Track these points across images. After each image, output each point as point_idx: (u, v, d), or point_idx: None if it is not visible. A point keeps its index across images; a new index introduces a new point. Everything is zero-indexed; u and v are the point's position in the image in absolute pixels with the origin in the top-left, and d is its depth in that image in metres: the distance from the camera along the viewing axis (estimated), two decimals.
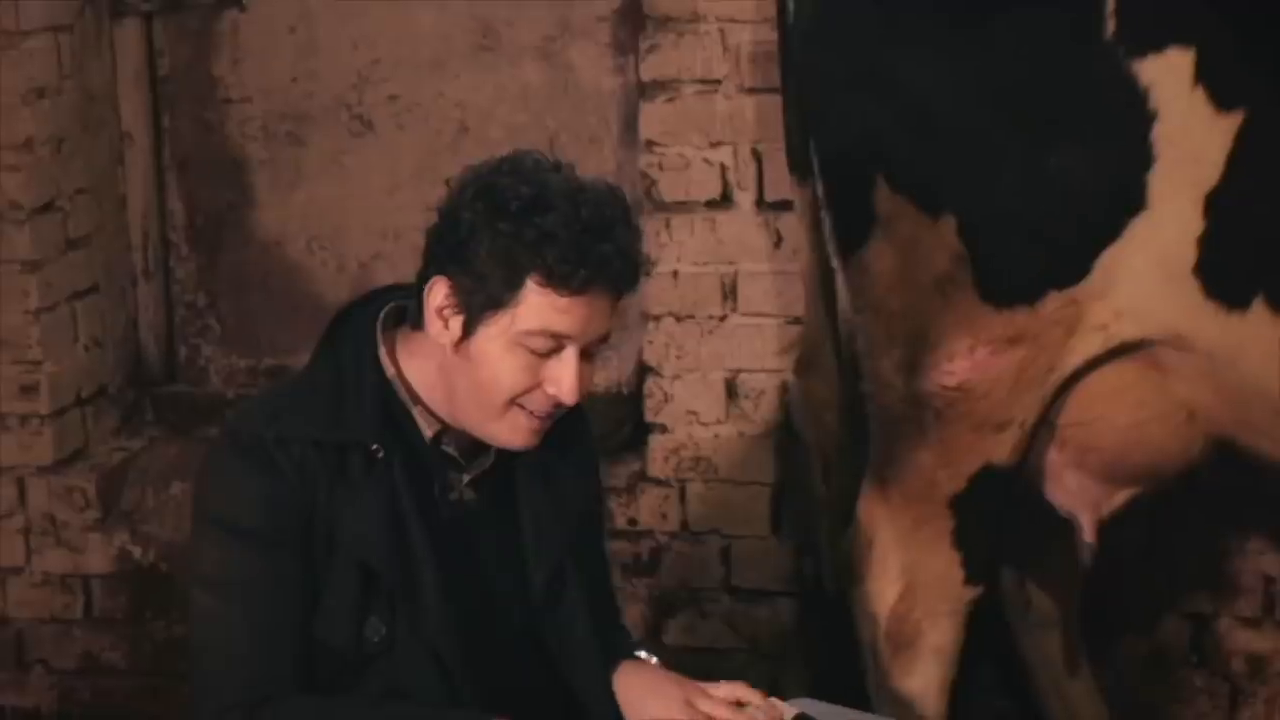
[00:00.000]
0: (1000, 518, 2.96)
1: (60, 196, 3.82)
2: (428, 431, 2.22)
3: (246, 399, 2.17)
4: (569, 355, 2.12)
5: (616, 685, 2.31)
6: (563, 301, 2.10)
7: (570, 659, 2.30)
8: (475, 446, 2.25)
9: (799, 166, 3.11)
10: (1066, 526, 3.00)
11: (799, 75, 3.02)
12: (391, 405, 2.21)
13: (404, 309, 2.25)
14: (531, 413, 2.15)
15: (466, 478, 2.25)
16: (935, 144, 2.76)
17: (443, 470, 2.24)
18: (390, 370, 2.22)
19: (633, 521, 3.73)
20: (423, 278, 2.18)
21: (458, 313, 2.14)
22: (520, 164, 2.16)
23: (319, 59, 3.93)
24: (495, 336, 2.12)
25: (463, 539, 2.24)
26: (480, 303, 2.12)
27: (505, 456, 2.26)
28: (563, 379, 2.12)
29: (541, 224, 2.08)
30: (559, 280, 2.09)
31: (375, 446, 2.17)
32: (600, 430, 3.82)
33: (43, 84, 3.77)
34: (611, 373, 3.92)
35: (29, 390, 3.81)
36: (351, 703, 2.16)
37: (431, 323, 2.16)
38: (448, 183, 2.19)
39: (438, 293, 2.15)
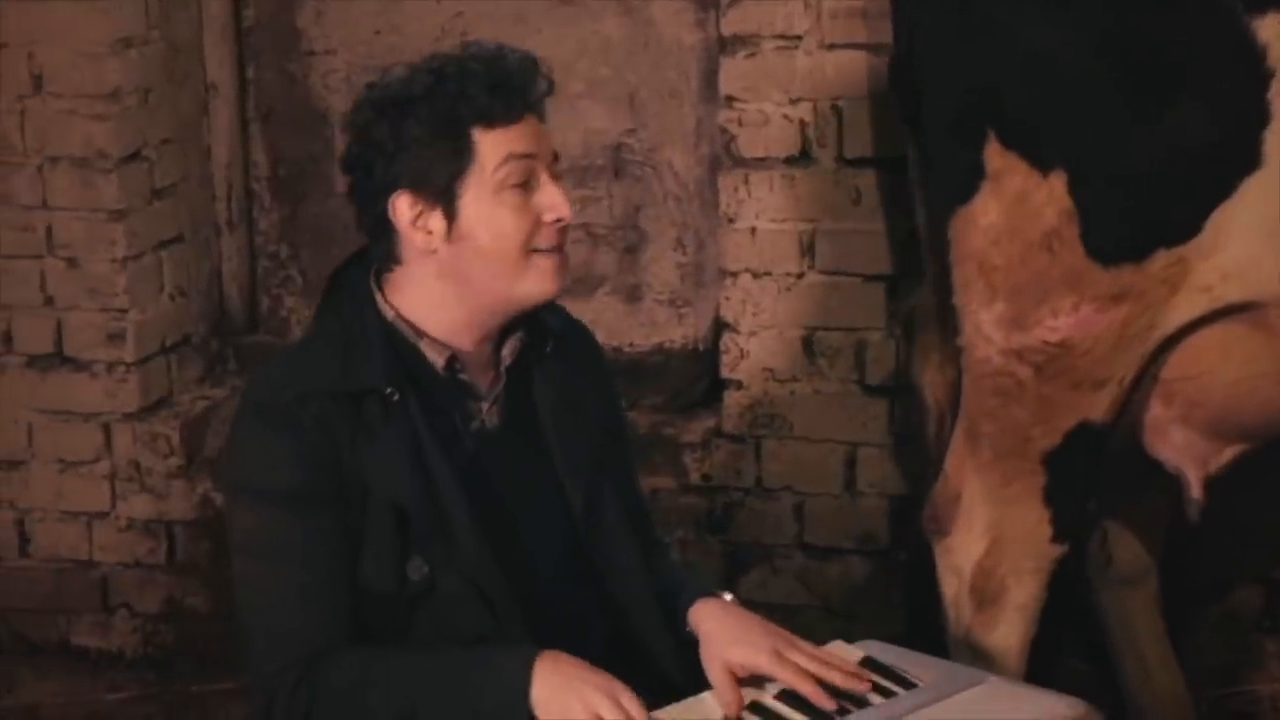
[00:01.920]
0: (1094, 475, 2.95)
1: (146, 146, 3.88)
2: (439, 361, 2.24)
3: (257, 369, 2.21)
4: (545, 180, 2.22)
5: (697, 623, 2.29)
6: (511, 130, 2.19)
7: (616, 575, 2.32)
8: (486, 372, 2.28)
9: (910, 119, 3.09)
10: (1157, 483, 2.98)
11: (911, 28, 3.00)
12: (399, 348, 2.24)
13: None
14: (547, 250, 2.21)
15: (485, 404, 2.27)
16: (1048, 99, 2.74)
17: (460, 402, 2.26)
18: (390, 314, 2.25)
19: (706, 477, 3.74)
20: (373, 219, 2.24)
21: (431, 207, 2.20)
22: (385, 76, 2.25)
23: (401, 11, 3.95)
24: (476, 197, 2.19)
25: (491, 468, 2.27)
26: (444, 182, 2.19)
27: (519, 379, 2.30)
28: (554, 199, 2.21)
29: (454, 79, 2.18)
30: (498, 113, 2.19)
31: (390, 390, 2.20)
32: (675, 386, 3.86)
33: (130, 35, 3.82)
34: (688, 329, 3.93)
35: (115, 338, 3.88)
36: (400, 651, 2.19)
37: (411, 238, 2.22)
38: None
39: (401, 208, 2.21)
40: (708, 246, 3.85)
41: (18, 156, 3.83)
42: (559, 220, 2.21)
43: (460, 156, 2.17)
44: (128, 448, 3.92)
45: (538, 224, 2.20)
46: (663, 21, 3.85)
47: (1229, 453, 2.90)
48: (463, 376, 2.26)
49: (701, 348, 3.90)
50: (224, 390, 4.06)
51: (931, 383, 3.27)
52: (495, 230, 2.18)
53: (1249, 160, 2.65)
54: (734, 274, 3.66)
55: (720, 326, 3.72)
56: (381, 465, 2.19)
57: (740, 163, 3.61)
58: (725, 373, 3.71)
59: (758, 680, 2.21)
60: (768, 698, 2.18)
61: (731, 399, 3.71)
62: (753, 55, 3.57)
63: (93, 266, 3.86)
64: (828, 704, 2.13)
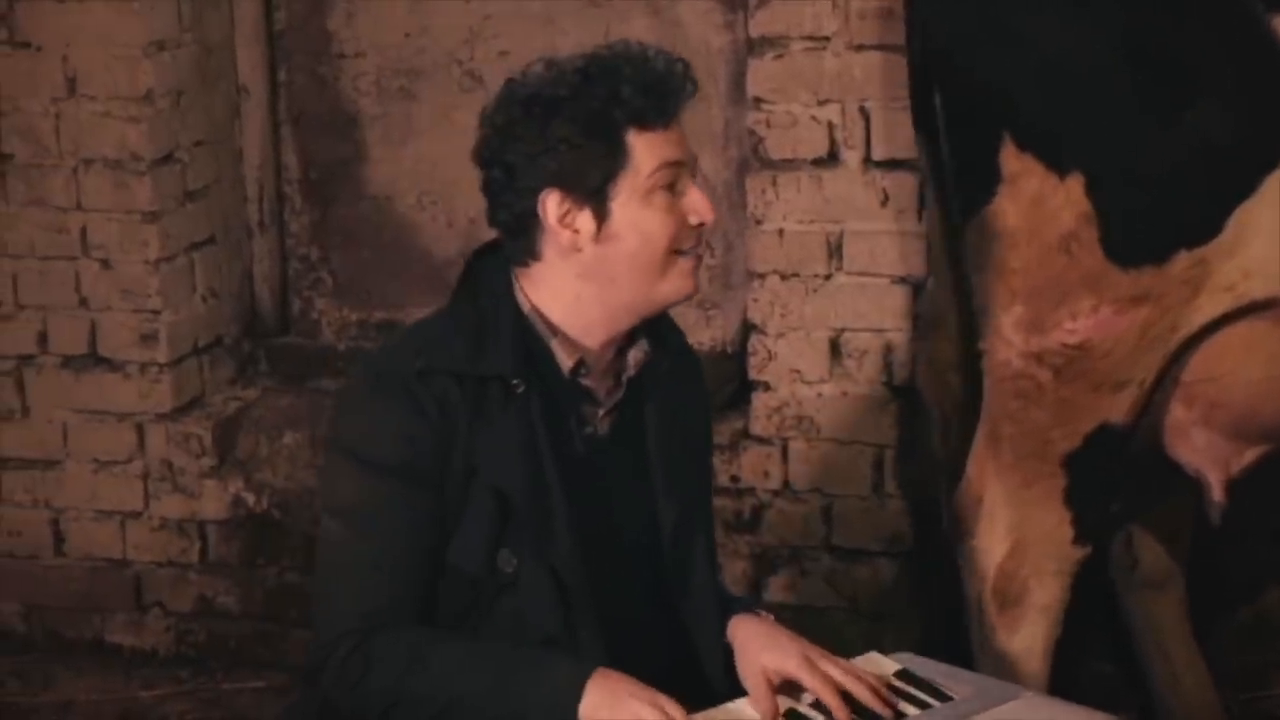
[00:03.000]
0: (1114, 478, 2.94)
1: (179, 148, 3.91)
2: (567, 362, 2.25)
3: (388, 339, 2.23)
4: (689, 183, 2.23)
5: (733, 634, 2.31)
6: (662, 135, 2.20)
7: (690, 600, 2.32)
8: (607, 380, 2.29)
9: (924, 123, 3.09)
10: (1178, 486, 2.97)
11: (925, 31, 3.00)
12: (530, 342, 2.25)
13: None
14: (688, 253, 2.24)
15: (601, 411, 2.29)
16: (1065, 101, 2.74)
17: (577, 405, 2.28)
18: (526, 306, 2.26)
19: (735, 479, 3.74)
20: (512, 215, 2.23)
21: (580, 207, 2.20)
22: (527, 74, 2.25)
23: (431, 15, 3.97)
24: (629, 199, 2.19)
25: (594, 473, 2.28)
26: (597, 182, 2.19)
27: (634, 393, 2.30)
28: (700, 202, 2.23)
29: (607, 83, 2.18)
30: (652, 116, 2.19)
31: (515, 381, 2.21)
32: None
33: (163, 38, 3.85)
34: (716, 331, 3.93)
35: (149, 339, 3.92)
36: (459, 639, 2.20)
37: (556, 236, 2.21)
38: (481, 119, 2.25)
39: (550, 205, 2.21)
40: (736, 248, 3.86)
41: (52, 158, 3.87)
42: (702, 223, 2.23)
43: (614, 158, 2.18)
44: (161, 448, 3.95)
45: (683, 226, 2.22)
46: (690, 23, 3.86)
47: (1250, 454, 2.89)
48: (586, 382, 2.27)
49: (730, 350, 3.90)
50: (255, 391, 4.09)
51: (934, 388, 3.28)
52: (644, 232, 2.20)
53: (1271, 157, 2.64)
54: (761, 276, 3.67)
55: (748, 328, 3.73)
56: (494, 451, 2.21)
57: (768, 164, 3.61)
58: (753, 374, 3.71)
59: (795, 691, 2.23)
60: (803, 706, 2.19)
61: (759, 401, 3.71)
62: (781, 57, 3.58)
63: (126, 268, 3.89)
64: (845, 716, 2.15)
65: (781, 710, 2.18)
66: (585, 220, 2.20)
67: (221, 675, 3.88)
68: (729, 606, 2.38)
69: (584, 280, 2.23)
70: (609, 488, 2.30)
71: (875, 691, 2.20)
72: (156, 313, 3.90)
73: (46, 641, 4.05)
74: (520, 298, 2.26)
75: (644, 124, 2.18)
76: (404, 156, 4.03)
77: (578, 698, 2.10)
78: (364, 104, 4.04)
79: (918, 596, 3.63)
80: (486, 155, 2.25)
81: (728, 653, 2.31)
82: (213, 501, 3.95)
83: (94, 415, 3.96)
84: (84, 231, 3.89)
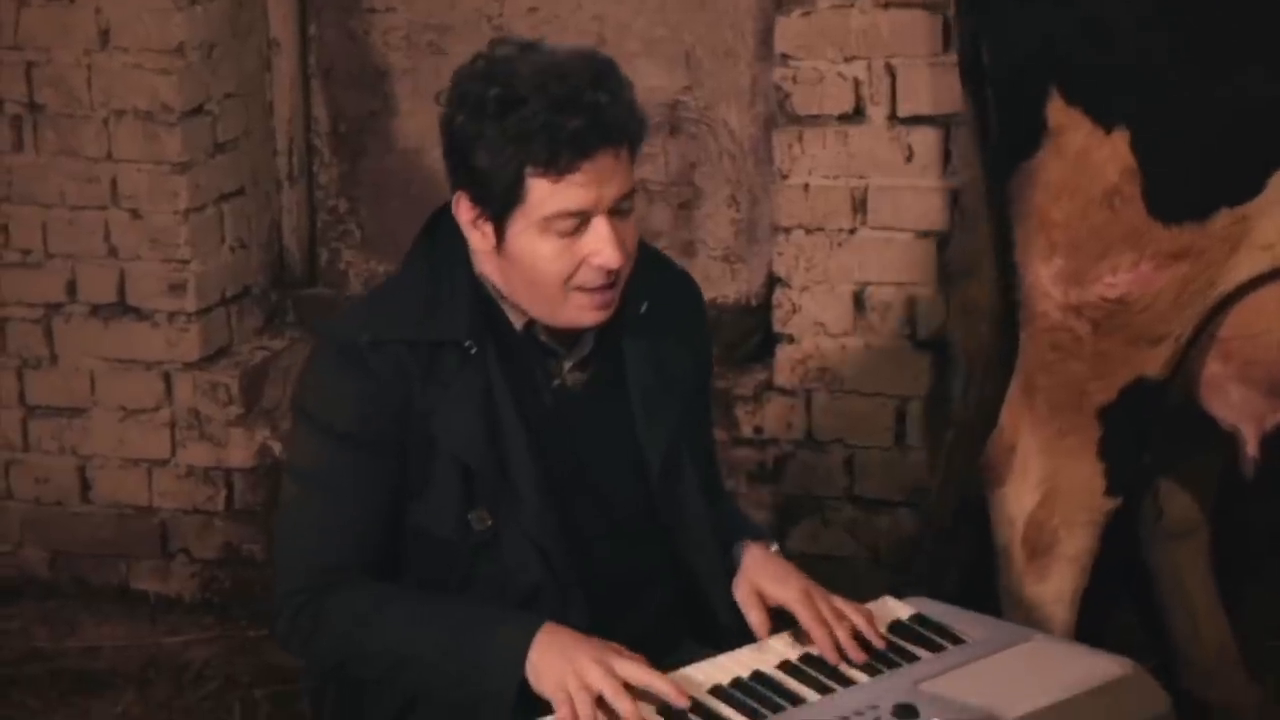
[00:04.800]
0: (1147, 430, 2.98)
1: (209, 101, 3.94)
2: (518, 324, 2.27)
3: (345, 307, 2.23)
4: (598, 224, 2.17)
5: (737, 561, 2.33)
6: (563, 183, 2.15)
7: (686, 537, 2.34)
8: (571, 335, 2.29)
9: (970, 75, 3.11)
10: (1211, 439, 3.00)
11: None
12: (485, 301, 2.27)
13: None
14: (589, 289, 2.19)
15: (568, 364, 2.29)
16: (1113, 57, 2.75)
17: (541, 359, 2.28)
18: (479, 268, 2.27)
19: (758, 430, 3.79)
20: (452, 193, 2.25)
21: (485, 220, 2.21)
22: (491, 59, 2.21)
23: None
24: (522, 232, 2.18)
25: (569, 426, 2.29)
26: (496, 208, 2.18)
27: (610, 338, 2.31)
28: (601, 248, 2.17)
29: (516, 121, 2.13)
30: (551, 166, 2.14)
31: (468, 343, 2.23)
32: (729, 340, 3.91)
33: None
34: (741, 284, 3.98)
35: (177, 288, 3.95)
36: (410, 596, 2.23)
37: (470, 234, 2.24)
38: (437, 98, 2.25)
39: (462, 207, 2.23)
40: (761, 203, 3.90)
41: (84, 109, 3.90)
42: (602, 267, 2.19)
43: (511, 194, 2.17)
44: (188, 396, 3.99)
45: (582, 265, 2.19)
46: None
47: None
48: (543, 338, 2.28)
49: (754, 302, 3.94)
50: (283, 341, 4.12)
51: (966, 337, 3.31)
52: (534, 266, 2.19)
53: None
54: (787, 230, 3.71)
55: (773, 281, 3.77)
56: (450, 417, 2.22)
57: (794, 120, 3.66)
58: (777, 327, 3.76)
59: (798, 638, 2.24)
60: (770, 667, 2.19)
61: (783, 353, 3.75)
62: (808, 14, 3.62)
63: (156, 218, 3.93)
64: (832, 658, 2.17)
65: (777, 662, 2.19)
66: (488, 232, 2.21)
67: (247, 622, 3.91)
68: (737, 530, 2.39)
69: (500, 276, 2.25)
70: (587, 438, 2.30)
71: (861, 639, 2.20)
72: (185, 263, 3.94)
73: (73, 588, 4.08)
74: (475, 258, 2.28)
75: (545, 171, 2.14)
76: (433, 111, 4.03)
77: (524, 656, 2.12)
78: (394, 58, 4.07)
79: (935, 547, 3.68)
80: (440, 123, 2.26)
81: (732, 576, 2.34)
82: (239, 450, 3.99)
83: (122, 364, 4.00)
84: (114, 182, 3.93)
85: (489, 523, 2.23)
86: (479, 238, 2.22)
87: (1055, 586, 3.00)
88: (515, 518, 2.23)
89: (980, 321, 3.23)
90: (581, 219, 2.17)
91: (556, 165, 2.13)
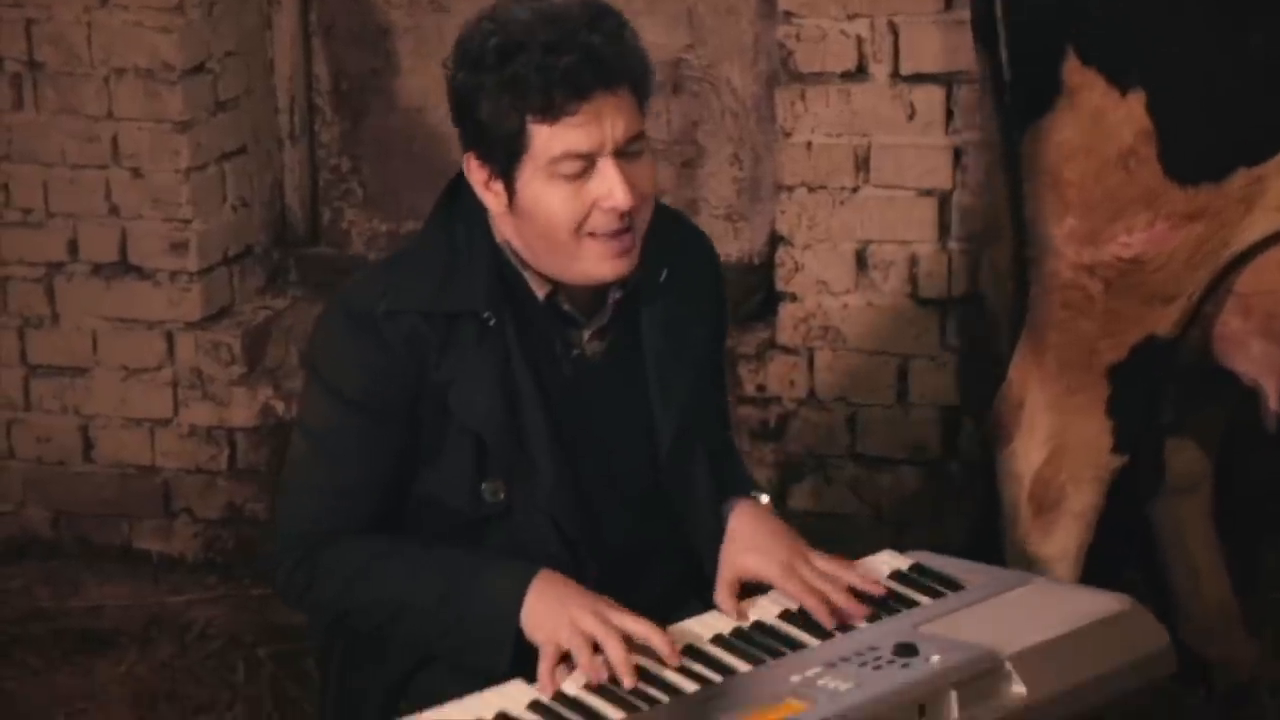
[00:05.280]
0: (1157, 389, 2.98)
1: (210, 59, 3.93)
2: (540, 293, 2.24)
3: (363, 268, 2.22)
4: (604, 166, 2.14)
5: (726, 521, 2.31)
6: (563, 125, 2.13)
7: (692, 514, 2.33)
8: (594, 302, 2.27)
9: (984, 33, 3.10)
10: (1225, 395, 3.01)
11: None
12: (505, 270, 2.25)
13: None
14: (603, 235, 2.17)
15: (587, 334, 2.27)
16: (1130, 17, 2.74)
17: (561, 329, 2.26)
18: (499, 235, 2.25)
19: (761, 388, 3.79)
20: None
21: (495, 178, 2.19)
22: (493, 15, 2.19)
23: None
24: (529, 182, 2.16)
25: (586, 396, 2.27)
26: (503, 160, 2.17)
27: (627, 308, 2.28)
28: (609, 189, 2.14)
29: (512, 68, 2.12)
30: (549, 109, 2.12)
31: (486, 315, 2.21)
32: (731, 298, 3.88)
33: None
34: (743, 242, 3.97)
35: (179, 247, 3.94)
36: (404, 548, 2.23)
37: (483, 197, 2.22)
38: (445, 64, 2.23)
39: (473, 168, 2.22)
40: (764, 161, 3.89)
41: (84, 67, 3.89)
42: (612, 209, 2.16)
43: (515, 143, 2.15)
44: (190, 356, 3.99)
45: (592, 209, 2.16)
46: None
47: None
48: (565, 307, 2.26)
49: (757, 261, 3.94)
50: (285, 301, 4.12)
51: (996, 295, 3.30)
52: (546, 213, 2.16)
53: None
54: (789, 188, 3.70)
55: (775, 240, 3.77)
56: (466, 390, 2.21)
57: (797, 78, 3.64)
58: (780, 285, 3.75)
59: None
60: (772, 616, 2.19)
61: (786, 311, 3.75)
62: None
63: (157, 177, 3.92)
64: (827, 622, 2.15)
65: (751, 619, 2.18)
66: (499, 190, 2.19)
67: (250, 581, 3.91)
68: (724, 486, 2.37)
69: (519, 239, 2.23)
70: (603, 409, 2.29)
71: (854, 596, 2.18)
72: (187, 222, 3.93)
73: (75, 547, 4.09)
74: (496, 227, 2.26)
75: (545, 115, 2.12)
76: (435, 69, 4.02)
77: (519, 606, 2.12)
78: (395, 15, 4.05)
79: (941, 504, 3.69)
80: (447, 83, 2.24)
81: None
82: (241, 410, 3.99)
83: (123, 323, 3.99)
84: (115, 140, 3.91)
85: (501, 496, 2.23)
86: (493, 199, 2.20)
87: (1061, 543, 3.01)
88: (530, 490, 2.23)
89: (1005, 279, 3.23)
90: (587, 162, 2.15)
91: (553, 107, 2.12)
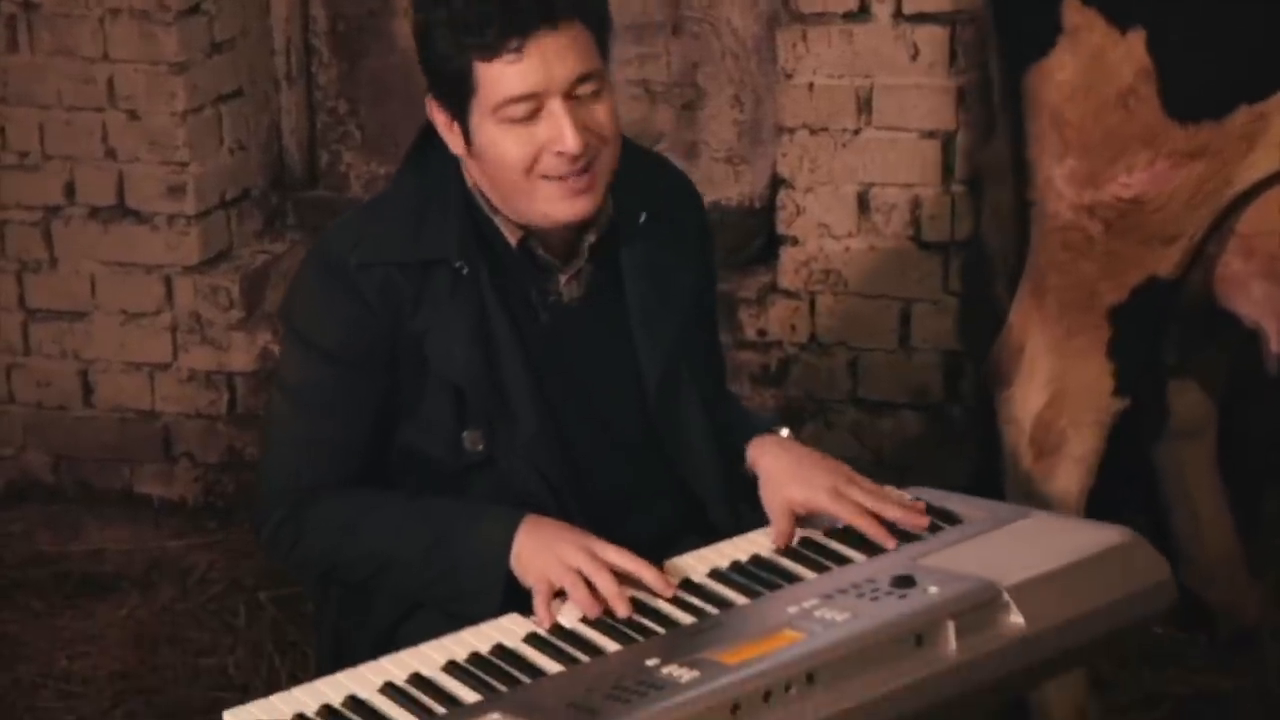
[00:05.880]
0: (1158, 330, 2.97)
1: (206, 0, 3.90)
2: (512, 239, 2.22)
3: (336, 221, 2.24)
4: (553, 107, 2.11)
5: (755, 461, 2.29)
6: (504, 64, 2.09)
7: (686, 455, 2.30)
8: (569, 247, 2.24)
9: None
10: (1227, 337, 2.99)
11: None
12: (478, 217, 2.22)
13: None
14: (556, 178, 2.13)
15: (563, 279, 2.25)
16: None
17: (536, 276, 2.24)
18: (471, 181, 2.23)
19: (762, 332, 3.77)
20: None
21: (452, 120, 2.17)
22: None
23: None
24: (480, 124, 2.13)
25: (565, 343, 2.25)
26: (455, 103, 2.14)
27: (606, 250, 2.26)
28: (558, 133, 2.10)
29: (455, 4, 2.09)
30: (490, 48, 2.09)
31: (459, 264, 2.19)
32: (731, 243, 3.88)
33: None
34: (744, 186, 3.95)
35: (176, 191, 3.92)
36: (390, 500, 2.22)
37: (447, 140, 2.20)
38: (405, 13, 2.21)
39: (434, 111, 2.20)
40: (765, 103, 3.86)
41: (79, 8, 3.85)
42: (561, 152, 2.13)
43: (464, 84, 2.12)
44: (189, 300, 3.97)
45: (542, 152, 2.13)
46: None
47: None
48: (539, 252, 2.24)
49: (758, 204, 3.91)
50: (283, 245, 4.10)
51: (1000, 239, 3.28)
52: (498, 156, 2.14)
53: None
54: (791, 130, 3.67)
55: (776, 183, 3.74)
56: (442, 338, 2.19)
57: (798, 18, 3.61)
58: (781, 229, 3.73)
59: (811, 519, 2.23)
60: (819, 534, 2.20)
61: (787, 255, 3.73)
62: None
63: (154, 119, 3.89)
64: (888, 541, 2.14)
65: (797, 539, 2.18)
66: (458, 132, 2.17)
67: (250, 526, 3.89)
68: (744, 429, 2.35)
69: (483, 182, 2.21)
70: (584, 355, 2.27)
71: (907, 509, 2.20)
72: (184, 164, 3.91)
73: (76, 491, 4.09)
74: (466, 172, 2.23)
75: (488, 54, 2.09)
76: None
77: (507, 551, 2.11)
78: None
79: (943, 449, 3.67)
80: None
81: (751, 482, 2.29)
82: (241, 354, 3.98)
83: (122, 267, 3.98)
84: (111, 82, 3.89)
85: (480, 446, 2.21)
86: (455, 142, 2.18)
87: (1062, 487, 2.99)
88: (510, 439, 2.21)
89: (1008, 222, 3.21)
90: (534, 103, 2.11)
91: (495, 46, 2.08)
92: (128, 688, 3.39)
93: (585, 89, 2.13)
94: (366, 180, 4.14)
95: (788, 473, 2.25)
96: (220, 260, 4.01)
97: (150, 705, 3.33)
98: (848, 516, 2.18)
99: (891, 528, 2.18)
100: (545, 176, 2.13)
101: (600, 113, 2.15)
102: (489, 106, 2.11)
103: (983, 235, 3.38)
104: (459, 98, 2.13)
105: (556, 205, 2.15)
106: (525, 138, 2.11)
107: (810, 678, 1.80)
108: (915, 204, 3.64)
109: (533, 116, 2.11)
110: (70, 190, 3.96)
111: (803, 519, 2.22)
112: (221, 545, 3.90)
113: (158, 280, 3.97)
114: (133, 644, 3.53)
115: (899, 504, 2.21)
